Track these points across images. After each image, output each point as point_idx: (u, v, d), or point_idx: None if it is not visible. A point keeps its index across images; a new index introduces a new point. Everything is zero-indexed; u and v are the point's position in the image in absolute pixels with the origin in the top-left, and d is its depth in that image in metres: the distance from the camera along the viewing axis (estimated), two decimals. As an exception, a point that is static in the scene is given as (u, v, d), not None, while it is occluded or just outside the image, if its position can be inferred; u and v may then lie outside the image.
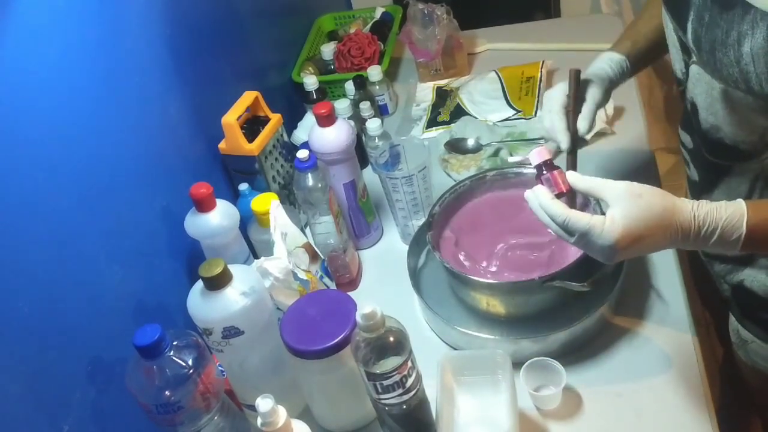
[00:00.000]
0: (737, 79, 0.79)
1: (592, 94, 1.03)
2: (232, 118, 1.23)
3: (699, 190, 1.02)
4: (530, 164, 0.90)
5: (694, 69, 0.89)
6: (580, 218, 0.80)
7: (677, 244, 0.81)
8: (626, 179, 0.82)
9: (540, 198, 0.83)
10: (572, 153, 1.01)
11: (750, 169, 0.91)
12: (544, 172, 0.87)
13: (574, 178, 0.85)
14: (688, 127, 1.00)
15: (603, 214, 0.81)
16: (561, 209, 0.81)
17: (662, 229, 0.79)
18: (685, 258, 1.21)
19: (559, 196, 0.84)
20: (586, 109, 1.02)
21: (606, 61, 1.08)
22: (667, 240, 0.80)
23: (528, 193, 0.86)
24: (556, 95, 1.03)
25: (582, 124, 1.01)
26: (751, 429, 1.33)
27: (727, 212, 0.79)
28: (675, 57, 0.95)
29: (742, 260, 1.01)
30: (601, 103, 1.04)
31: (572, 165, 1.01)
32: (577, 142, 1.01)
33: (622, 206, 0.79)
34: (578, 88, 1.02)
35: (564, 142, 1.00)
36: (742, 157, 0.90)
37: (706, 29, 0.81)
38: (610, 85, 1.07)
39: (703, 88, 0.88)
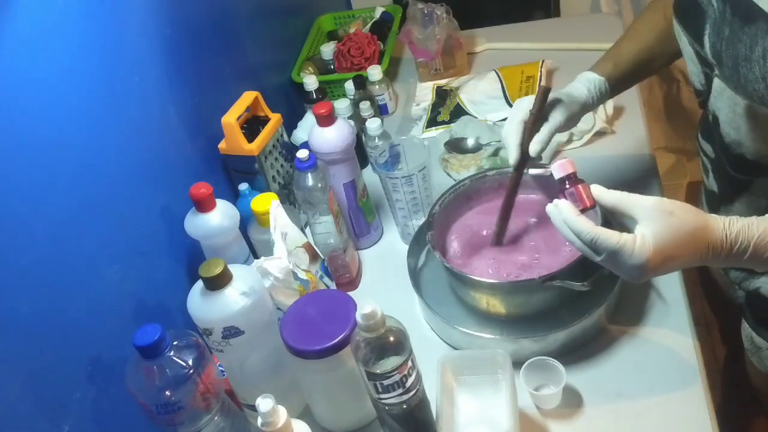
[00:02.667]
0: (763, 95, 0.76)
1: (554, 118, 0.99)
2: (232, 118, 1.23)
3: (718, 202, 1.00)
4: (552, 175, 0.87)
5: (717, 83, 0.87)
6: (609, 237, 0.77)
7: (708, 262, 0.79)
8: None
9: (564, 214, 0.80)
10: (518, 170, 1.00)
11: None
12: (568, 186, 0.83)
13: (599, 191, 0.81)
14: (709, 138, 0.97)
15: (607, 222, 0.79)
16: (588, 227, 0.78)
17: (694, 248, 0.77)
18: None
19: (583, 211, 0.81)
20: (543, 132, 0.99)
21: (584, 83, 1.06)
22: (698, 258, 0.78)
23: (550, 208, 0.82)
24: (522, 107, 1.00)
25: (533, 147, 0.98)
26: (753, 430, 1.33)
27: (759, 230, 0.77)
28: (692, 70, 0.93)
29: None
30: (562, 128, 1.01)
31: (515, 182, 1.01)
32: (526, 159, 0.99)
33: (653, 225, 0.76)
34: (542, 106, 0.98)
35: (512, 157, 0.99)
36: (763, 173, 0.89)
37: (726, 44, 0.79)
38: (581, 108, 1.04)
39: (725, 103, 0.87)
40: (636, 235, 0.77)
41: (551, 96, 0.99)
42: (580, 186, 0.83)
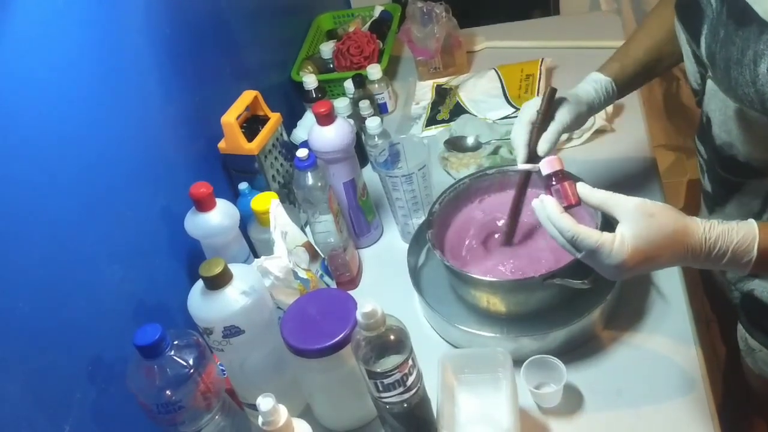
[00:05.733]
0: (752, 99, 0.76)
1: (561, 117, 1.00)
2: (231, 117, 1.23)
3: (712, 203, 1.01)
4: (540, 172, 0.88)
5: (710, 84, 0.87)
6: (589, 235, 0.78)
7: (687, 263, 0.80)
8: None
9: (548, 210, 0.82)
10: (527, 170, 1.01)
11: (762, 187, 0.90)
12: (554, 182, 0.85)
13: (585, 190, 0.83)
14: (702, 139, 0.98)
15: (607, 222, 0.79)
16: (570, 224, 0.80)
17: (672, 250, 0.78)
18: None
19: (567, 208, 0.82)
20: (550, 131, 0.99)
21: (591, 83, 1.06)
22: (676, 260, 0.79)
23: (536, 203, 0.84)
24: (530, 108, 1.01)
25: (542, 146, 0.99)
26: (753, 430, 1.33)
27: (739, 235, 0.77)
28: (690, 69, 0.93)
29: None
30: (570, 127, 1.02)
31: (524, 181, 1.03)
32: (534, 158, 0.99)
33: (633, 226, 0.78)
34: (549, 106, 0.99)
35: (520, 156, 1.00)
36: (754, 175, 0.89)
37: (720, 46, 0.79)
38: (588, 109, 1.05)
39: (717, 105, 0.87)
40: (615, 234, 0.78)
41: (558, 96, 1.00)
42: (566, 183, 0.84)
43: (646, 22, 1.09)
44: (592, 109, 1.06)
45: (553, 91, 0.99)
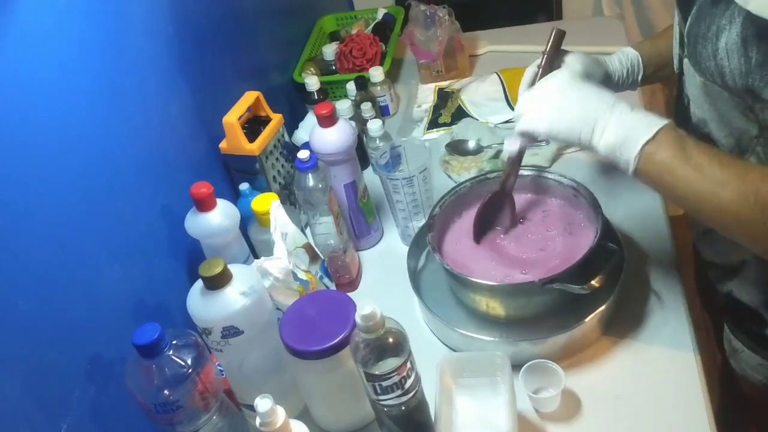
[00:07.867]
0: (713, 72, 0.80)
1: (571, 62, 0.99)
2: (233, 117, 1.23)
3: None
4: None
5: (686, 63, 0.90)
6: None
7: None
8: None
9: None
10: None
11: None
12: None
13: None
14: (680, 122, 0.99)
15: None
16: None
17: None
18: (690, 264, 1.21)
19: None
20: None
21: (617, 54, 1.08)
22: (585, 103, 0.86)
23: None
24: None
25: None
26: None
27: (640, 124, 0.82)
28: (675, 51, 0.96)
29: (732, 270, 1.01)
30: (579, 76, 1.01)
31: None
32: None
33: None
34: (556, 49, 1.00)
35: (520, 96, 1.00)
36: None
37: (696, 21, 0.83)
38: (605, 74, 1.04)
39: (691, 82, 0.90)
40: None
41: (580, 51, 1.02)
42: None
43: None
44: (609, 77, 1.06)
45: (560, 32, 1.00)
